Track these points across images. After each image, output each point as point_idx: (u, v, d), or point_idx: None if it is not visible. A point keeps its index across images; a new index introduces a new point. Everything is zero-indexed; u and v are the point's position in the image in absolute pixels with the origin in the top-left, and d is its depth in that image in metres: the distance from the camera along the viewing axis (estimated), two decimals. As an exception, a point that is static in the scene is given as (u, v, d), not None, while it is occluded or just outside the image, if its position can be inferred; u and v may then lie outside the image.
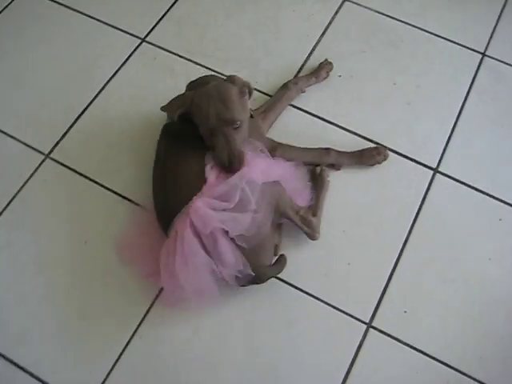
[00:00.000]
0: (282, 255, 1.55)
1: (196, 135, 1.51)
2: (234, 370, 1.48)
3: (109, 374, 1.47)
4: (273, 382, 1.46)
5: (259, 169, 1.48)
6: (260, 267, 1.48)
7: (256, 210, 1.43)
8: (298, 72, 1.90)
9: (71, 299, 1.56)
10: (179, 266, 1.40)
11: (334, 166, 1.71)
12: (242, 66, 1.90)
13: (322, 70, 1.86)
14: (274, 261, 1.54)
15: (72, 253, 1.62)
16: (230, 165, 1.46)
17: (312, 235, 1.59)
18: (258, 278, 1.48)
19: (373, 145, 1.75)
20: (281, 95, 1.80)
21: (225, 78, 1.58)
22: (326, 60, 1.88)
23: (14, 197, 1.70)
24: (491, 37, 1.96)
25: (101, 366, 1.48)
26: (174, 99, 1.56)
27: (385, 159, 1.72)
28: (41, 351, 1.51)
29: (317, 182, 1.66)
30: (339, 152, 1.70)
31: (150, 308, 1.54)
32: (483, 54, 1.93)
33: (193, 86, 1.61)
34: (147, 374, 1.48)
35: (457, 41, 1.95)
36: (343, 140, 1.77)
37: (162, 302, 1.53)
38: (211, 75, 1.74)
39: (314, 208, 1.62)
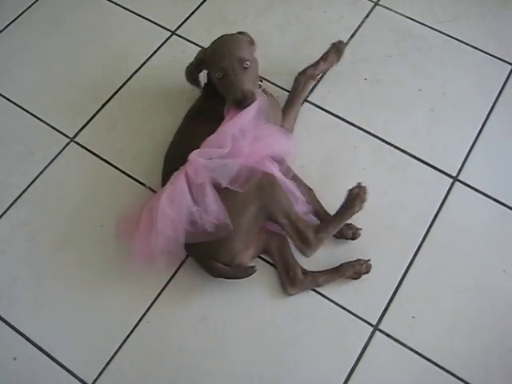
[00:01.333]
0: (252, 267, 1.51)
1: (216, 109, 1.57)
2: (237, 360, 1.49)
3: (114, 355, 1.50)
4: (273, 376, 1.47)
5: (250, 115, 1.52)
6: (216, 261, 1.49)
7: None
8: (325, 73, 1.90)
9: (84, 279, 1.60)
10: (163, 206, 1.44)
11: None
12: (268, 63, 1.90)
13: (331, 52, 1.86)
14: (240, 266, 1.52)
15: (88, 235, 1.66)
16: (243, 100, 1.51)
17: (303, 251, 1.52)
18: (209, 270, 1.50)
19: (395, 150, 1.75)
20: (293, 90, 1.82)
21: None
22: (338, 40, 1.87)
23: (36, 177, 1.75)
24: (523, 48, 1.94)
25: (107, 347, 1.51)
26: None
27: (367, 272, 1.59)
28: (50, 326, 1.54)
29: (349, 201, 1.54)
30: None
31: (159, 294, 1.56)
32: (513, 65, 1.91)
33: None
34: (151, 358, 1.50)
35: (487, 50, 1.93)
36: (365, 143, 1.77)
37: (132, 259, 1.52)
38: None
39: (323, 227, 1.53)
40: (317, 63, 1.85)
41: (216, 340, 1.52)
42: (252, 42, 1.66)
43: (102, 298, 1.57)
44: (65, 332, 1.54)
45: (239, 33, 1.68)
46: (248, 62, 1.56)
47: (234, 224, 1.45)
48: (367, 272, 1.56)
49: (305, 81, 1.83)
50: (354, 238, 1.60)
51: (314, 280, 1.54)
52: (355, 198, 1.54)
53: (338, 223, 1.54)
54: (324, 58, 1.86)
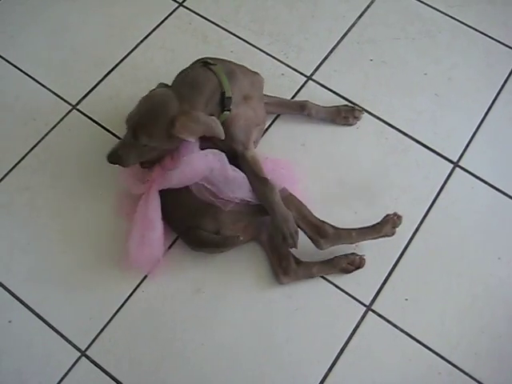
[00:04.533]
0: (237, 236, 1.51)
1: None
2: (230, 332, 1.50)
3: (108, 322, 1.51)
4: (266, 349, 1.49)
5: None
6: (202, 231, 1.49)
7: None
8: (331, 51, 1.89)
9: (82, 246, 1.60)
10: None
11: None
12: (275, 40, 1.90)
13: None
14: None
15: (86, 202, 1.66)
16: (108, 160, 1.49)
17: (318, 242, 1.51)
18: (191, 241, 1.53)
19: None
20: (294, 105, 1.76)
21: (176, 110, 1.46)
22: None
23: (38, 142, 1.75)
24: (532, 38, 1.93)
25: (101, 314, 1.52)
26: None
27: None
28: (46, 292, 1.55)
29: (382, 222, 1.54)
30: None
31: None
32: (521, 54, 1.89)
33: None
34: (144, 326, 1.51)
35: (496, 37, 1.92)
36: (367, 124, 1.77)
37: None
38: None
39: (345, 228, 1.52)
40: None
41: (209, 312, 1.53)
42: (175, 124, 1.41)
43: (98, 265, 1.58)
44: (60, 298, 1.54)
45: (183, 103, 1.45)
46: (146, 147, 1.45)
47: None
48: (360, 266, 1.55)
49: (308, 110, 1.75)
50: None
51: (307, 270, 1.54)
52: (388, 221, 1.55)
53: (361, 233, 1.54)
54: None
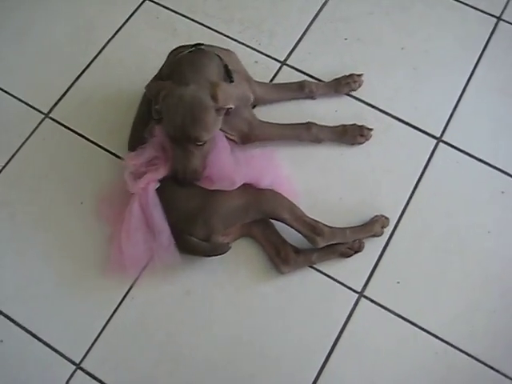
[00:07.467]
0: (226, 244, 1.50)
1: None
2: (225, 331, 1.49)
3: (100, 332, 1.50)
4: (260, 345, 1.48)
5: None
6: (191, 236, 1.46)
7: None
8: (304, 34, 1.84)
9: (67, 258, 1.58)
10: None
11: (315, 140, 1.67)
12: (246, 27, 1.85)
13: (341, 84, 1.73)
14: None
15: (68, 213, 1.63)
16: (183, 180, 1.42)
17: (314, 240, 1.49)
18: (182, 246, 1.48)
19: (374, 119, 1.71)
20: (292, 86, 1.72)
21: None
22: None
23: (13, 156, 1.71)
24: (508, 0, 1.87)
25: (92, 326, 1.51)
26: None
27: (367, 140, 1.67)
28: (35, 308, 1.54)
29: (370, 222, 1.56)
30: (320, 127, 1.65)
31: (142, 270, 1.55)
32: (498, 18, 1.85)
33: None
34: (138, 333, 1.50)
35: (471, 4, 1.87)
36: (346, 105, 1.73)
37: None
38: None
39: (338, 227, 1.52)
40: (328, 86, 1.74)
41: (201, 313, 1.52)
42: (220, 111, 1.39)
43: (85, 276, 1.56)
44: (50, 312, 1.53)
45: (214, 86, 1.38)
46: (202, 142, 1.39)
47: (220, 204, 1.45)
48: (359, 250, 1.54)
49: (307, 91, 1.71)
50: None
51: (307, 258, 1.53)
52: (377, 220, 1.56)
53: (354, 231, 1.54)
54: (334, 87, 1.73)
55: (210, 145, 1.44)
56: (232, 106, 1.40)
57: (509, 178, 1.63)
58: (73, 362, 1.47)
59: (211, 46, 1.57)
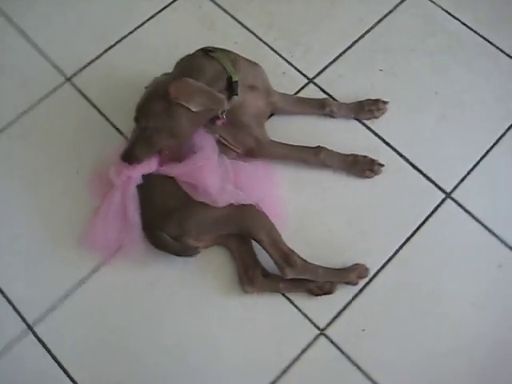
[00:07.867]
0: (196, 248, 1.47)
1: None
2: (177, 331, 1.48)
3: (59, 302, 1.50)
4: (209, 353, 1.45)
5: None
6: (162, 232, 1.44)
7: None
8: (339, 56, 1.79)
9: (49, 222, 1.60)
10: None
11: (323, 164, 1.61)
12: (283, 36, 1.82)
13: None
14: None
15: (63, 178, 1.65)
16: (122, 159, 1.43)
17: (284, 270, 1.43)
18: (152, 240, 1.47)
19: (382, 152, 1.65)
20: (313, 103, 1.68)
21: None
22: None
23: (25, 111, 1.74)
24: None
25: (53, 293, 1.51)
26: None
27: (376, 175, 1.60)
28: (6, 261, 1.56)
29: (349, 268, 1.49)
30: (331, 153, 1.59)
31: (115, 252, 1.54)
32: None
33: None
34: (94, 312, 1.50)
35: (522, 66, 1.76)
36: (362, 137, 1.67)
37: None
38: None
39: (312, 263, 1.46)
40: (348, 111, 1.68)
41: (159, 307, 1.50)
42: (175, 104, 1.37)
43: (61, 243, 1.57)
44: (18, 268, 1.55)
45: (176, 83, 1.38)
46: (147, 129, 1.40)
47: (199, 210, 1.44)
48: (330, 292, 1.48)
49: (328, 110, 1.67)
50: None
51: (273, 285, 1.48)
52: (355, 269, 1.49)
53: (327, 272, 1.47)
54: (355, 112, 1.68)
55: (180, 149, 1.44)
56: (192, 108, 1.37)
57: (510, 252, 1.53)
58: (26, 324, 1.49)
59: (238, 55, 1.55)
